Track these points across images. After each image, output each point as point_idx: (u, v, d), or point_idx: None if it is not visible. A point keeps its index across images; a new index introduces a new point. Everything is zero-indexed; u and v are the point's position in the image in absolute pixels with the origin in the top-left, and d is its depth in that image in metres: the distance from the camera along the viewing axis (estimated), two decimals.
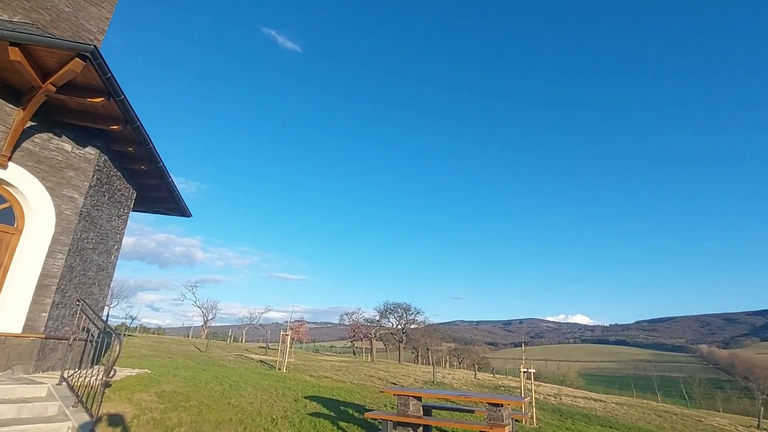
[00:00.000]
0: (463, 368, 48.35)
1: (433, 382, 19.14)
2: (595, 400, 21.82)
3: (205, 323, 45.07)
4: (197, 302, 46.29)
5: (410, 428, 6.87)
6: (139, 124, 7.88)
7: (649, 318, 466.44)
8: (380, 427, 7.04)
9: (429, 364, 38.95)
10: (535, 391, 21.86)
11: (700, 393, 48.99)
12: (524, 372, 11.69)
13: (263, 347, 30.33)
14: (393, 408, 9.58)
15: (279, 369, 15.44)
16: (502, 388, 20.43)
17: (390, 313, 42.30)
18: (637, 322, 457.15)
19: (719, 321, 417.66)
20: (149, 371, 10.08)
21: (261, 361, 17.95)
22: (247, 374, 13.12)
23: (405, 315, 42.75)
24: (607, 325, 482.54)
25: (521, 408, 11.19)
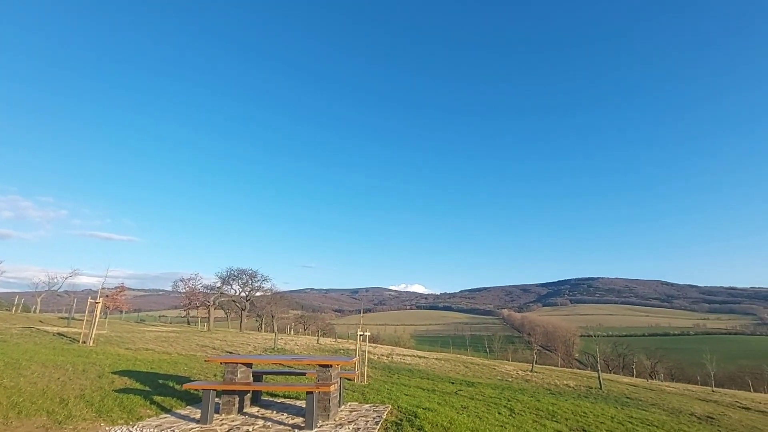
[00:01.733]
0: (308, 335, 49.46)
1: (273, 348, 18.92)
2: (419, 357, 24.89)
3: None
4: None
5: (237, 396, 6.53)
6: None
7: (470, 288, 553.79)
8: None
9: (274, 332, 38.52)
10: (370, 352, 23.61)
11: (498, 347, 61.14)
12: (361, 335, 12.38)
13: (65, 318, 25.37)
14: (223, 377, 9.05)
15: (83, 342, 13.02)
16: (342, 351, 21.52)
17: (234, 280, 39.62)
18: (461, 291, 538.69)
19: (518, 291, 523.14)
20: None
21: (60, 334, 14.87)
22: (36, 350, 10.70)
23: (250, 282, 40.66)
24: (439, 293, 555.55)
25: (351, 367, 11.89)
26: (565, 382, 18.84)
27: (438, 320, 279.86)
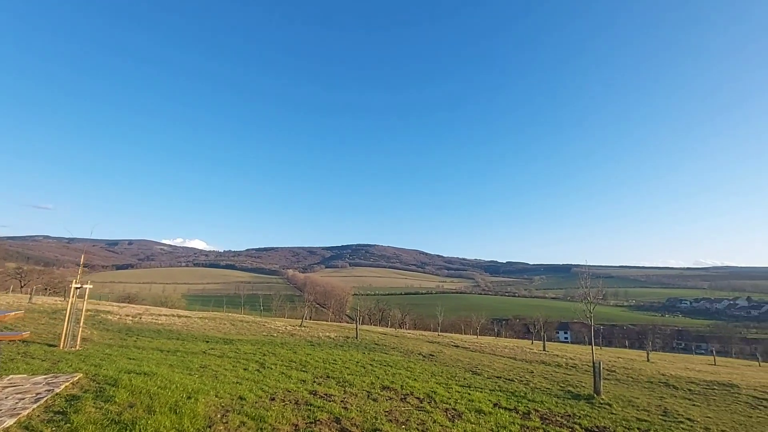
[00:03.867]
0: (27, 293, 37.77)
1: None
2: (179, 317, 22.03)
3: None
4: None
5: None
6: None
7: (257, 246, 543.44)
8: None
9: None
10: (112, 312, 19.43)
11: (277, 306, 61.70)
12: (77, 287, 9.41)
13: None
14: None
15: None
16: (64, 312, 16.79)
17: None
18: (247, 250, 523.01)
19: (305, 252, 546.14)
20: None
21: None
22: None
23: None
24: (222, 251, 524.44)
25: (16, 324, 8.94)
26: (327, 334, 19.84)
27: (218, 279, 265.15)
